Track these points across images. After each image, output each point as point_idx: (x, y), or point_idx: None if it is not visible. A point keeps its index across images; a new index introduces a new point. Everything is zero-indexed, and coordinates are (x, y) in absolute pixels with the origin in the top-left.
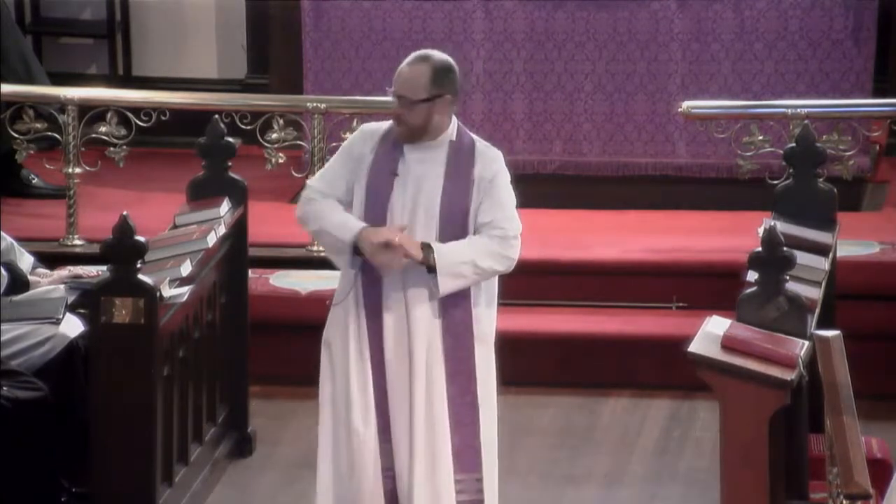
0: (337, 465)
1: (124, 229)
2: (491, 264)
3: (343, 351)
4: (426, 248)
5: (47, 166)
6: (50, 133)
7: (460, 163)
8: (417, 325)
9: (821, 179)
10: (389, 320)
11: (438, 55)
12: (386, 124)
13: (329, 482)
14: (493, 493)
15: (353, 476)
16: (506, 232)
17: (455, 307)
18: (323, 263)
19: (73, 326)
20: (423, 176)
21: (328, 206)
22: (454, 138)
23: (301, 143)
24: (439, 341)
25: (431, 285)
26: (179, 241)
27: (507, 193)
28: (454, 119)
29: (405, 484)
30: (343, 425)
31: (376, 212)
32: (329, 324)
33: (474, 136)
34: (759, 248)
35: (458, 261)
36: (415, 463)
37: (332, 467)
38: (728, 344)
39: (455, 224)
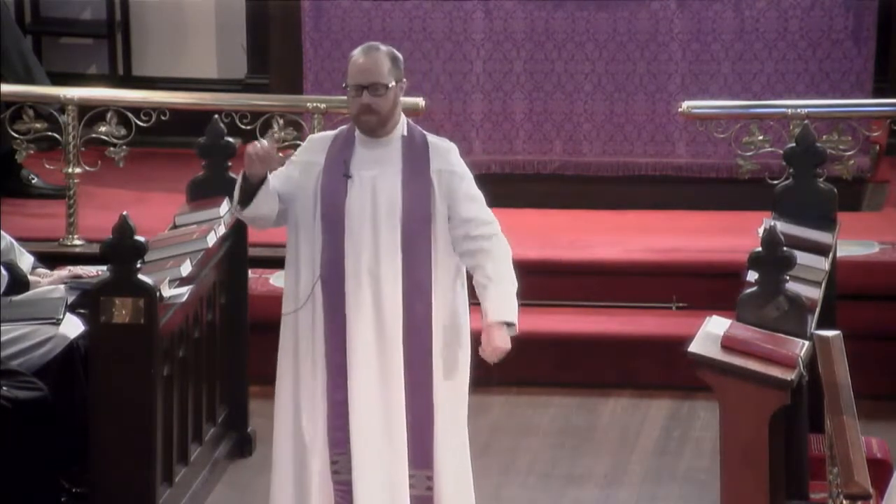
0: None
1: (124, 229)
2: (512, 269)
3: (294, 359)
4: (508, 326)
5: (47, 166)
6: (50, 133)
7: (416, 158)
8: (385, 324)
9: (821, 179)
10: (355, 323)
11: (382, 44)
12: (333, 131)
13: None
14: (467, 493)
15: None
16: (493, 228)
17: (418, 305)
18: None
19: (73, 326)
20: (378, 175)
21: None
22: (405, 133)
23: (301, 143)
24: (401, 343)
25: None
26: (179, 241)
27: (474, 185)
28: (401, 113)
29: (363, 482)
30: (292, 438)
31: (333, 216)
32: (282, 334)
33: (423, 130)
34: (759, 248)
35: (514, 301)
36: (373, 461)
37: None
38: (728, 344)
39: (418, 221)
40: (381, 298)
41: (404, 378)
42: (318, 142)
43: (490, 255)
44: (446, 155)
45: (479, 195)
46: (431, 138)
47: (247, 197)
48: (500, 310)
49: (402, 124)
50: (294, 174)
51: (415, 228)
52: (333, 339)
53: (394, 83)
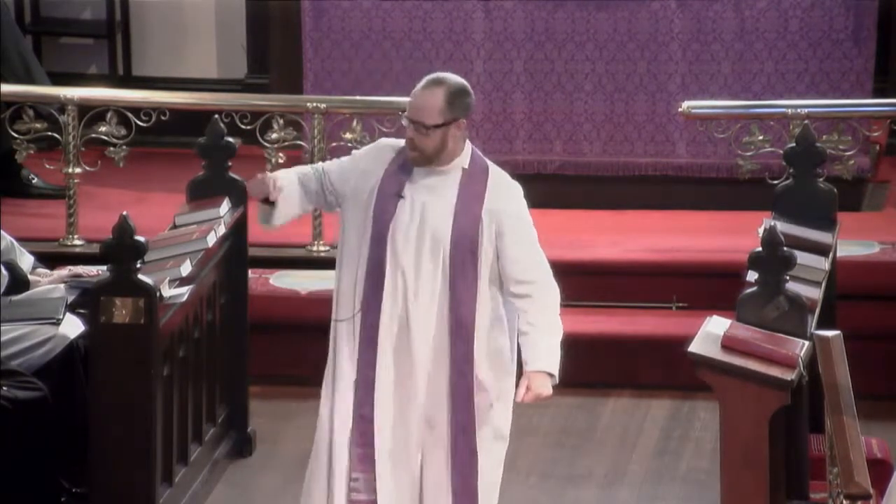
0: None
1: (124, 229)
2: (559, 318)
3: (335, 364)
4: (550, 377)
5: (47, 166)
6: (50, 133)
7: (472, 191)
8: (413, 354)
9: (821, 179)
10: (383, 345)
11: (453, 78)
12: (402, 141)
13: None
14: None
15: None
16: (542, 274)
17: (460, 344)
18: (323, 263)
19: (73, 326)
20: (431, 202)
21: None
22: (467, 165)
23: (301, 143)
24: (440, 369)
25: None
26: (179, 241)
27: (530, 227)
28: (468, 144)
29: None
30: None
31: (379, 233)
32: (334, 339)
33: (490, 163)
34: (759, 248)
35: (557, 352)
36: (396, 489)
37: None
38: (728, 344)
39: (465, 252)
40: (411, 325)
41: (449, 421)
42: (384, 150)
43: (536, 302)
44: (506, 194)
45: (533, 238)
46: (495, 175)
47: (267, 213)
48: (541, 360)
49: (466, 156)
50: (351, 177)
51: (460, 264)
52: (366, 353)
53: (443, 123)
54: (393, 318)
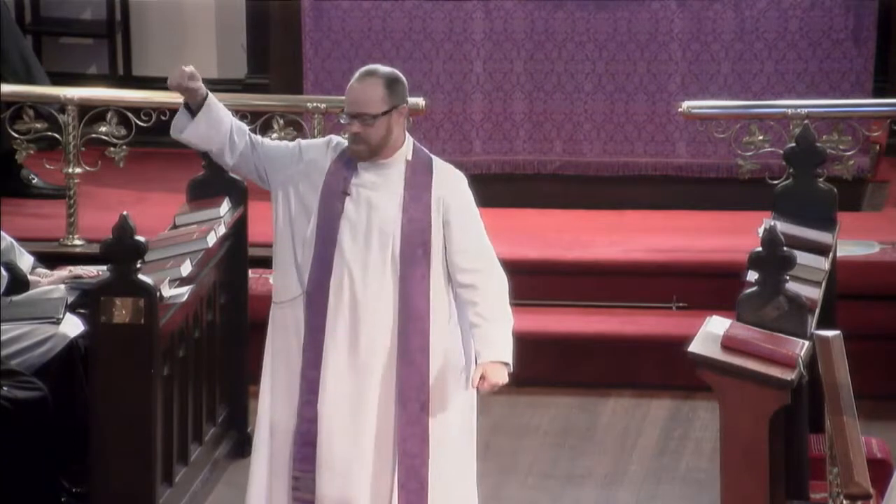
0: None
1: (124, 229)
2: (508, 306)
3: (274, 360)
4: (506, 365)
5: (47, 166)
6: (50, 133)
7: (418, 184)
8: (360, 350)
9: (821, 179)
10: (330, 342)
11: (384, 68)
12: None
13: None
14: None
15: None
16: (488, 262)
17: (413, 336)
18: None
19: (73, 326)
20: (377, 196)
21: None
22: (410, 157)
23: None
24: (393, 363)
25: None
26: (179, 241)
27: (476, 216)
28: (408, 136)
29: None
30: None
31: (327, 231)
32: (274, 325)
33: (432, 155)
34: (759, 248)
35: (509, 341)
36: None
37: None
38: (728, 344)
39: (415, 244)
40: (359, 323)
41: (398, 414)
42: (331, 145)
43: (483, 293)
44: (452, 183)
45: (478, 226)
46: (438, 165)
47: (188, 118)
48: (495, 350)
49: (408, 148)
50: (292, 163)
51: (411, 255)
52: (310, 353)
53: (386, 110)
54: (340, 317)
